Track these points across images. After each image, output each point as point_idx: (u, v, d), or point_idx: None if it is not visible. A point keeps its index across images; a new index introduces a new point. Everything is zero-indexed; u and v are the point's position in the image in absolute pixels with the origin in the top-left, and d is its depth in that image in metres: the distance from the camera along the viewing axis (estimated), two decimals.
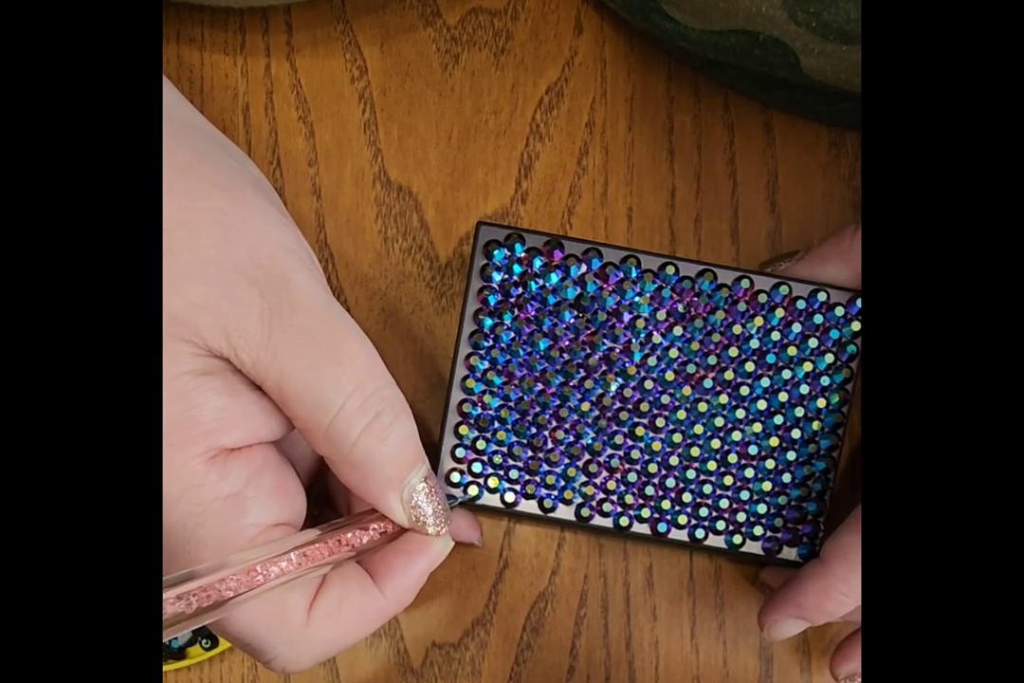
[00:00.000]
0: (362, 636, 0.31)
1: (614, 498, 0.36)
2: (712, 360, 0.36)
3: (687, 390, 0.36)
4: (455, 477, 0.36)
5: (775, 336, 0.36)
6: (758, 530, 0.36)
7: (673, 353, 0.36)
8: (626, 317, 0.36)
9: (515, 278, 0.36)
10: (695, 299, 0.36)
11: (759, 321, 0.36)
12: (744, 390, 0.36)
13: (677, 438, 0.36)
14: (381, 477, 0.29)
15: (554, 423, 0.36)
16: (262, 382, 0.28)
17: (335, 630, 0.30)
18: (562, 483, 0.36)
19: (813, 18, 0.32)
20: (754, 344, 0.36)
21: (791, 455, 0.36)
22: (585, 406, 0.36)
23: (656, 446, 0.36)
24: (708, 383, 0.36)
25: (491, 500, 0.36)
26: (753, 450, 0.36)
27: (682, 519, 0.36)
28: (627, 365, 0.36)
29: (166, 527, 0.28)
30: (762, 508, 0.36)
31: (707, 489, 0.36)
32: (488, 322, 0.36)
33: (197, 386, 0.27)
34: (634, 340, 0.36)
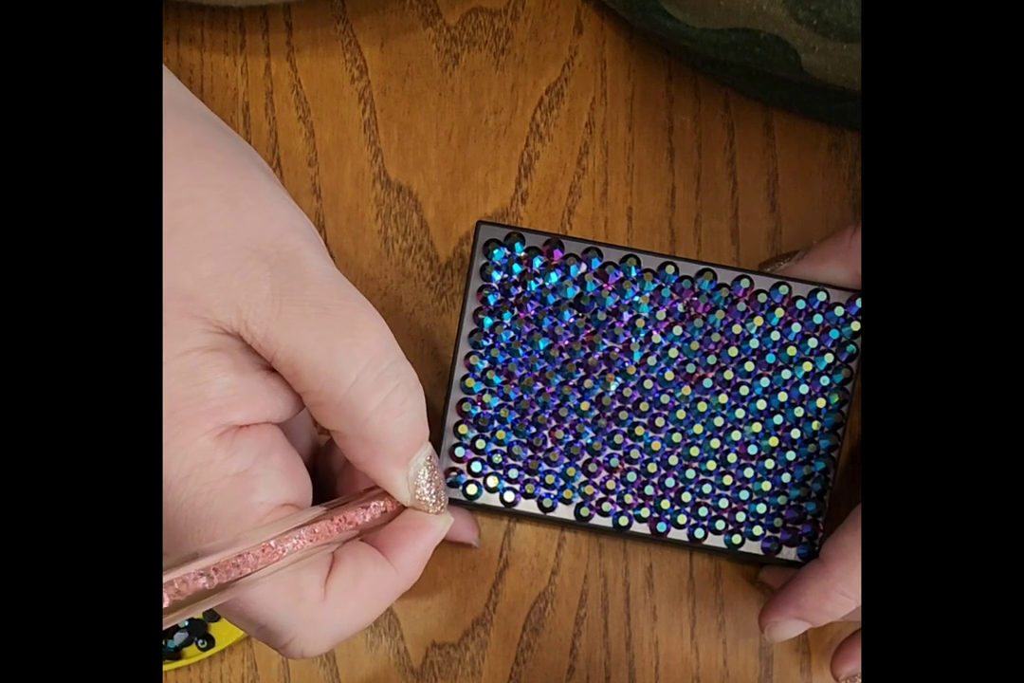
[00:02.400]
0: (377, 613, 0.30)
1: (613, 498, 0.36)
2: (712, 360, 0.36)
3: (687, 390, 0.36)
4: (454, 476, 0.36)
5: (775, 336, 0.36)
6: (757, 530, 0.36)
7: (673, 353, 0.36)
8: (626, 316, 0.36)
9: (515, 277, 0.36)
10: (695, 299, 0.36)
11: (759, 321, 0.36)
12: (744, 390, 0.36)
13: (676, 438, 0.36)
14: (391, 453, 0.29)
15: (553, 422, 0.36)
16: (272, 356, 0.28)
17: (352, 605, 0.29)
18: (561, 482, 0.36)
19: (814, 16, 0.32)
20: (754, 344, 0.36)
21: (790, 455, 0.36)
22: (584, 405, 0.36)
23: (656, 446, 0.36)
24: (708, 383, 0.36)
25: (490, 499, 0.36)
26: (752, 450, 0.36)
27: (681, 519, 0.36)
28: (627, 365, 0.36)
29: (176, 506, 0.28)
30: (761, 508, 0.36)
31: (706, 489, 0.36)
32: (488, 321, 0.36)
33: (205, 362, 0.27)
34: (634, 339, 0.36)
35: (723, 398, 0.36)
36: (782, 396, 0.36)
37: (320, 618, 0.29)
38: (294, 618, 0.29)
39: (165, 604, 0.24)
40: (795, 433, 0.36)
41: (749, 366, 0.36)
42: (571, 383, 0.36)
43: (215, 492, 0.28)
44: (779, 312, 0.36)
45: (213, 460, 0.27)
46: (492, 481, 0.36)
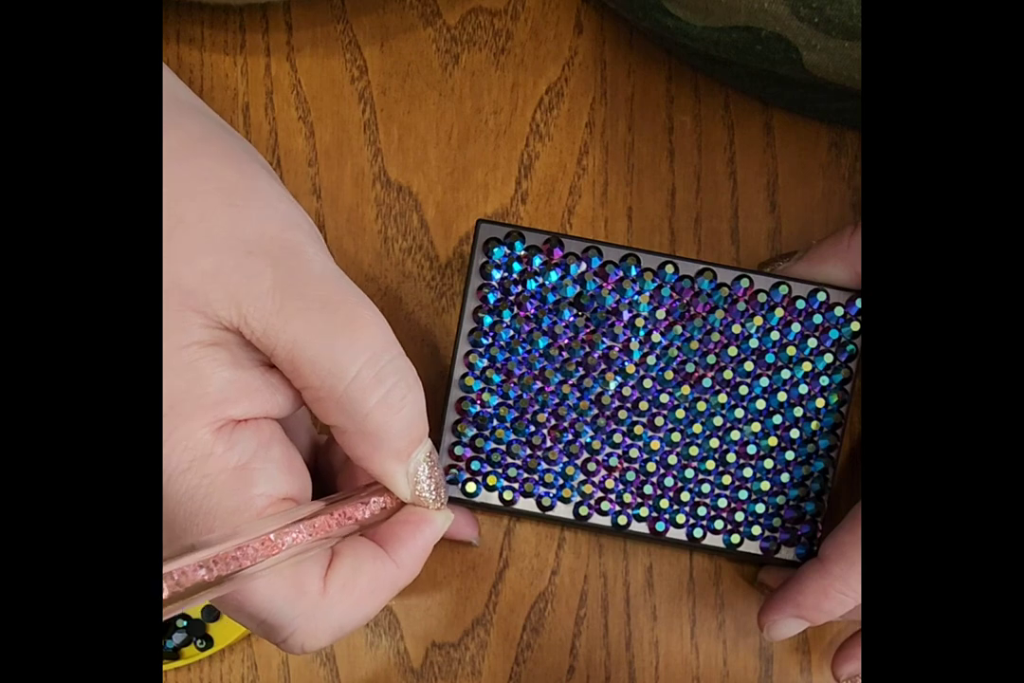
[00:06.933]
0: (377, 608, 0.30)
1: (612, 497, 0.36)
2: (711, 359, 0.36)
3: (686, 389, 0.36)
4: (453, 474, 0.36)
5: (774, 336, 0.36)
6: (756, 530, 0.36)
7: (672, 352, 0.36)
8: (625, 316, 0.36)
9: (515, 276, 0.36)
10: (695, 298, 0.36)
11: (758, 320, 0.36)
12: (743, 389, 0.36)
13: (676, 437, 0.36)
14: (391, 449, 0.29)
15: (553, 421, 0.36)
16: (272, 351, 0.28)
17: (352, 600, 0.29)
18: (560, 481, 0.36)
19: (816, 14, 0.32)
20: (753, 343, 0.36)
21: (789, 455, 0.36)
22: (584, 404, 0.36)
23: (655, 445, 0.36)
24: (707, 382, 0.36)
25: (489, 498, 0.36)
26: (752, 449, 0.36)
27: (680, 518, 0.36)
28: (626, 364, 0.36)
29: (175, 499, 0.28)
30: (760, 508, 0.36)
31: (705, 488, 0.36)
32: (487, 320, 0.36)
33: (204, 356, 0.27)
34: (633, 339, 0.36)
35: (722, 398, 0.36)
36: (781, 396, 0.36)
37: (319, 612, 0.29)
38: (293, 612, 0.28)
39: (165, 595, 0.24)
40: (794, 433, 0.36)
41: (748, 366, 0.36)
42: (570, 382, 0.36)
43: (214, 485, 0.28)
44: (779, 312, 0.36)
45: (212, 453, 0.28)
46: (491, 479, 0.36)
